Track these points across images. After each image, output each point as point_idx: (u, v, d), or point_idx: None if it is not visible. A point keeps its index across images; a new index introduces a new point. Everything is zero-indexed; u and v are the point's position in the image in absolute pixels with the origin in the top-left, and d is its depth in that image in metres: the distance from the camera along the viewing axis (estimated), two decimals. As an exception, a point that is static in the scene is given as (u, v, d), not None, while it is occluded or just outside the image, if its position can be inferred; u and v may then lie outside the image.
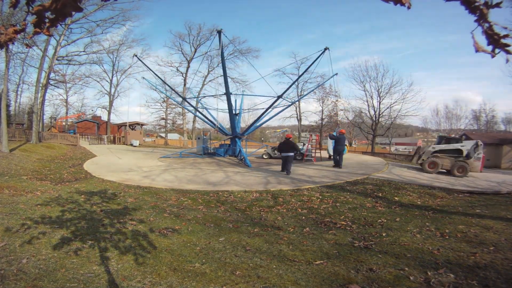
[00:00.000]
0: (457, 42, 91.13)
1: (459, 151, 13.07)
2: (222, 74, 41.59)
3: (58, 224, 4.98)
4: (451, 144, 13.43)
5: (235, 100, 23.25)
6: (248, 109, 23.20)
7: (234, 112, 21.92)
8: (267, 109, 19.35)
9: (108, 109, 40.58)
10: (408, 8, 1.05)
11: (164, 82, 25.91)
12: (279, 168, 13.19)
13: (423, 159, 13.35)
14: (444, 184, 10.08)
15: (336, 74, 20.81)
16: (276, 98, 18.41)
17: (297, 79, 20.83)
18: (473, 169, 12.85)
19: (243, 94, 24.94)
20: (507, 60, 1.05)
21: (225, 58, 40.69)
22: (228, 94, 17.53)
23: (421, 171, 12.95)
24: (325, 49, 16.58)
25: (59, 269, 3.39)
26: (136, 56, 20.62)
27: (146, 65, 21.04)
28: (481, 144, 12.93)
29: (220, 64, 41.96)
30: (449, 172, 12.87)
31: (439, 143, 14.12)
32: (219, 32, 16.08)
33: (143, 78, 25.19)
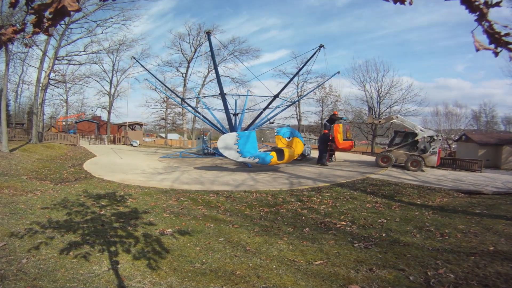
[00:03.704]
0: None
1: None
2: (221, 74, 41.56)
3: (56, 224, 4.97)
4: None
5: (235, 101, 23.24)
6: (247, 109, 23.07)
7: (234, 112, 21.91)
8: (264, 109, 19.35)
9: (108, 109, 40.58)
10: (410, 4, 1.05)
11: (163, 84, 25.94)
12: (273, 167, 13.25)
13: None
14: (450, 185, 10.08)
15: (338, 72, 20.73)
16: (272, 98, 18.38)
17: (292, 78, 20.63)
18: (428, 163, 13.22)
19: (241, 94, 24.94)
20: (511, 58, 1.04)
21: (225, 58, 40.41)
22: (222, 94, 17.51)
23: (422, 172, 12.95)
24: (320, 46, 16.54)
25: (59, 269, 3.39)
26: (134, 58, 20.72)
27: (144, 68, 21.13)
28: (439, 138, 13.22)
29: (219, 64, 41.95)
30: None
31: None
32: (208, 34, 16.21)
33: (146, 79, 25.23)
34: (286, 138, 12.97)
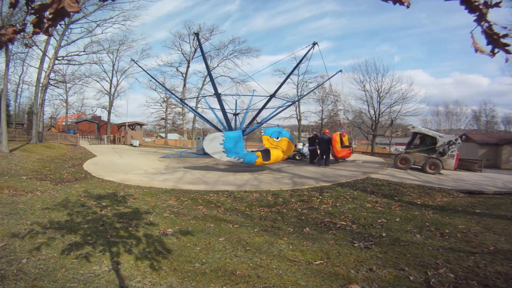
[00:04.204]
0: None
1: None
2: (221, 74, 41.54)
3: (57, 224, 4.98)
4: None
5: (236, 101, 23.23)
6: (245, 109, 23.07)
7: (235, 112, 21.90)
8: (260, 110, 19.32)
9: (108, 109, 40.62)
10: (407, 7, 1.05)
11: (162, 85, 26.01)
12: (273, 167, 13.22)
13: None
14: (451, 184, 10.07)
15: (341, 71, 20.54)
16: (268, 98, 18.32)
17: (287, 77, 20.32)
18: (446, 166, 13.04)
19: (237, 94, 24.98)
20: (507, 60, 1.04)
21: (225, 58, 40.33)
22: (217, 94, 17.49)
23: (422, 171, 12.93)
24: (314, 44, 16.43)
25: (59, 269, 3.39)
26: (133, 60, 20.81)
27: (144, 69, 21.23)
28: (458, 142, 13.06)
29: (220, 64, 41.90)
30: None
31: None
32: (197, 34, 16.27)
33: (150, 80, 25.33)
34: (274, 138, 12.83)
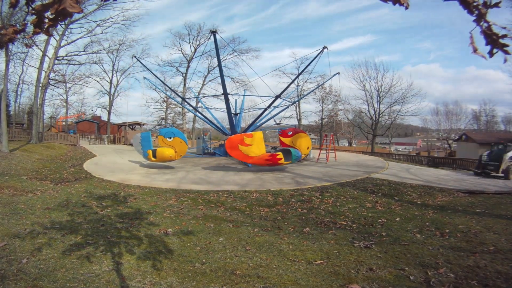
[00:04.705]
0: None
1: None
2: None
3: (57, 224, 4.98)
4: None
5: (235, 100, 23.25)
6: (248, 108, 23.12)
7: (234, 112, 21.92)
8: (265, 109, 19.36)
9: (108, 109, 40.61)
10: (406, 8, 1.05)
11: (164, 83, 25.98)
12: (276, 167, 13.21)
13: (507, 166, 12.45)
14: (451, 184, 10.07)
15: (338, 73, 20.72)
16: (274, 98, 18.39)
17: (295, 79, 20.49)
18: None
19: (242, 94, 25.03)
20: (505, 60, 1.04)
21: (224, 58, 40.38)
22: (225, 94, 17.52)
23: (423, 172, 12.94)
24: (324, 48, 16.59)
25: (59, 269, 3.39)
26: (135, 57, 20.84)
27: (145, 66, 21.24)
28: None
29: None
30: None
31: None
32: (214, 33, 16.29)
33: (145, 78, 25.35)
34: (168, 139, 13.65)
